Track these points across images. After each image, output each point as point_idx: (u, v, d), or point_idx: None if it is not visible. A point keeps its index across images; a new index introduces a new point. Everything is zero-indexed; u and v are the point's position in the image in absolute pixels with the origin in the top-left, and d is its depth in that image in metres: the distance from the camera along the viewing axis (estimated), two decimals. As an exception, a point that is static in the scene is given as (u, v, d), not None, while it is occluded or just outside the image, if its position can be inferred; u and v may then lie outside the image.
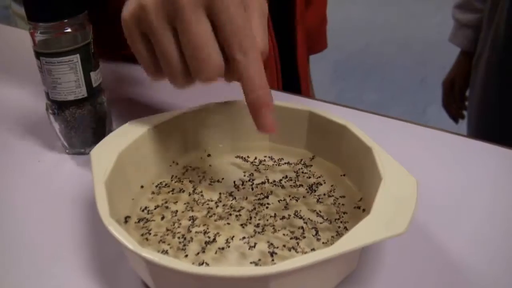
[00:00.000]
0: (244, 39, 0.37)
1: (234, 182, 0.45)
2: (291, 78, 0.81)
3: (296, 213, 0.41)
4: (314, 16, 0.83)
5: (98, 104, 0.51)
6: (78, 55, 0.47)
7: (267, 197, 0.44)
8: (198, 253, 0.38)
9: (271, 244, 0.38)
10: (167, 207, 0.43)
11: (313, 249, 0.38)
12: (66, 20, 0.45)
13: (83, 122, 0.50)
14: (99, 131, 0.52)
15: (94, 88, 0.49)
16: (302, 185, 0.45)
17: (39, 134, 0.56)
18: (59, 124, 0.50)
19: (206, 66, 0.37)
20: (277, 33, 0.75)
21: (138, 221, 0.41)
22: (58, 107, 0.49)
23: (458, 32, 1.11)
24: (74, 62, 0.47)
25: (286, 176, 0.46)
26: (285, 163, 0.48)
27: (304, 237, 0.39)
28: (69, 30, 0.46)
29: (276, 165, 0.48)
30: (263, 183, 0.45)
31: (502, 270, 0.39)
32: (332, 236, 0.39)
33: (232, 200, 0.43)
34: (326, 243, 0.39)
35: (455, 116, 1.21)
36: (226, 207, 0.42)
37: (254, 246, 0.38)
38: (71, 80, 0.47)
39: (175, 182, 0.46)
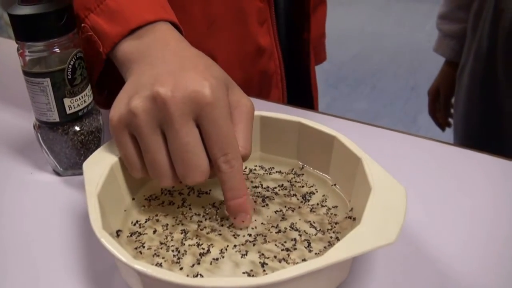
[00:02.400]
0: (230, 151, 0.39)
1: None
2: (304, 90, 0.83)
3: (292, 225, 0.42)
4: (315, 28, 0.85)
5: (72, 132, 0.49)
6: (48, 79, 0.45)
7: (261, 201, 0.44)
8: (193, 265, 0.38)
9: (262, 254, 0.39)
10: (157, 220, 0.43)
11: (304, 260, 0.38)
12: (28, 43, 0.45)
13: (57, 146, 0.49)
14: (74, 157, 0.50)
15: (69, 115, 0.48)
16: (295, 195, 0.45)
17: (33, 148, 0.55)
18: (39, 142, 0.50)
19: (193, 173, 0.39)
20: (289, 46, 0.77)
21: (131, 235, 0.41)
22: (39, 125, 0.49)
23: (442, 42, 1.12)
24: (44, 86, 0.46)
25: (282, 185, 0.46)
26: (276, 172, 0.48)
27: (295, 249, 0.39)
28: (38, 54, 0.45)
29: (267, 174, 0.48)
30: (255, 187, 0.46)
31: (493, 277, 0.39)
32: (325, 247, 0.39)
33: (218, 212, 0.43)
34: (318, 253, 0.39)
35: (441, 124, 1.23)
36: (214, 219, 0.43)
37: (246, 254, 0.39)
38: (42, 102, 0.47)
39: (165, 195, 0.46)
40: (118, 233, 0.40)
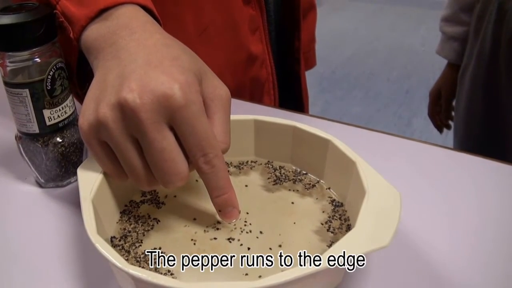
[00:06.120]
0: (209, 151, 0.37)
1: None
2: (295, 96, 0.83)
3: (285, 229, 0.42)
4: (305, 34, 0.86)
5: (53, 144, 0.48)
6: (27, 90, 0.44)
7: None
8: (193, 269, 0.38)
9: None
10: (153, 226, 0.42)
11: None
12: (9, 53, 0.43)
13: (37, 158, 0.48)
14: (55, 169, 0.49)
15: (49, 127, 0.47)
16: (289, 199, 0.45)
17: (19, 158, 0.54)
18: (21, 153, 0.49)
19: (173, 179, 0.38)
20: (280, 53, 0.77)
21: (125, 241, 0.41)
22: (20, 136, 0.48)
23: (445, 44, 1.12)
24: (23, 96, 0.45)
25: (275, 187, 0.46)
26: (271, 177, 0.48)
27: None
28: (18, 64, 0.44)
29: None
30: (246, 186, 0.46)
31: (488, 280, 0.39)
32: (318, 250, 0.40)
33: (215, 214, 0.43)
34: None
35: (440, 126, 1.23)
36: (210, 221, 0.42)
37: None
38: (22, 113, 0.46)
39: (160, 199, 0.45)
40: (112, 239, 0.40)
